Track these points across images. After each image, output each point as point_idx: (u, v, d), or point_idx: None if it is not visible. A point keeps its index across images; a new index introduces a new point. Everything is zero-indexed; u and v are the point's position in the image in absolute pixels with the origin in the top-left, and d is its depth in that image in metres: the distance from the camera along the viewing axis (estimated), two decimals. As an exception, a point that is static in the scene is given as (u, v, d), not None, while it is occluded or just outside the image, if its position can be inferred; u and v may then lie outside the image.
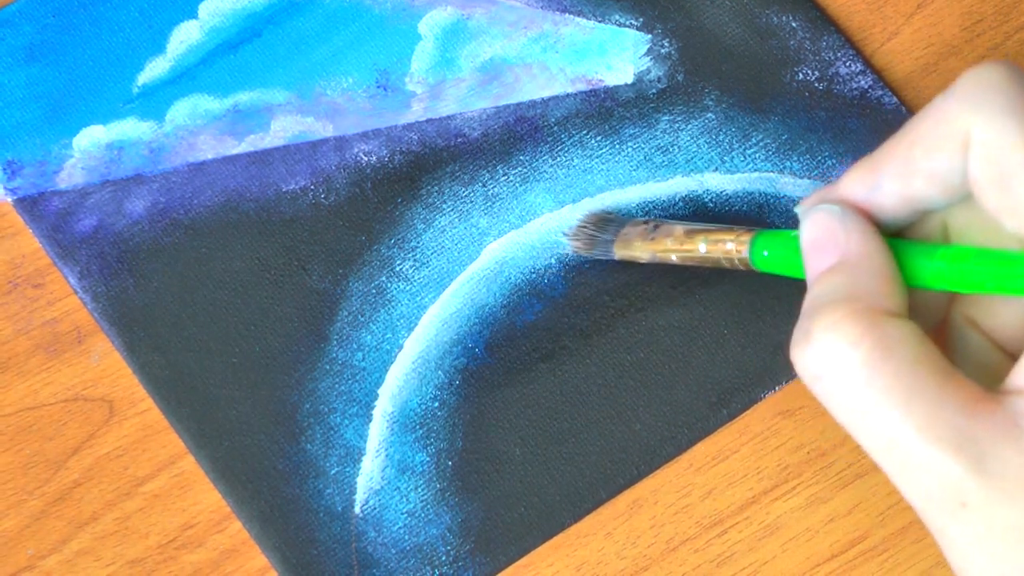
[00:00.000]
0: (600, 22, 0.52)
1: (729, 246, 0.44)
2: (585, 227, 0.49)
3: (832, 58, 0.51)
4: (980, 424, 0.33)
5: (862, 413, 0.34)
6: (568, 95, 0.51)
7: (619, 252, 0.48)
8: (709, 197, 0.50)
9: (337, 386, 0.48)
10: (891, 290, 0.36)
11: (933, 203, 0.37)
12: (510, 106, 0.51)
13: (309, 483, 0.47)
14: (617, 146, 0.51)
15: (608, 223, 0.49)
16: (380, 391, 0.48)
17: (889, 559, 0.46)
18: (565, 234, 0.49)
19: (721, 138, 0.51)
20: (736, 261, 0.43)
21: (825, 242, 0.37)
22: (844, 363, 0.34)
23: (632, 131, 0.51)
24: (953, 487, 0.33)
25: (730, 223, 0.50)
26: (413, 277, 0.49)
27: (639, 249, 0.47)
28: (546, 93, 0.51)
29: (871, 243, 0.36)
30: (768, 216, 0.49)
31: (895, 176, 0.37)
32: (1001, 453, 0.33)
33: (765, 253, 0.42)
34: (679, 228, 0.46)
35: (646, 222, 0.48)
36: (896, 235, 0.38)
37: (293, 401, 0.48)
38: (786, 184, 0.50)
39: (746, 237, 0.43)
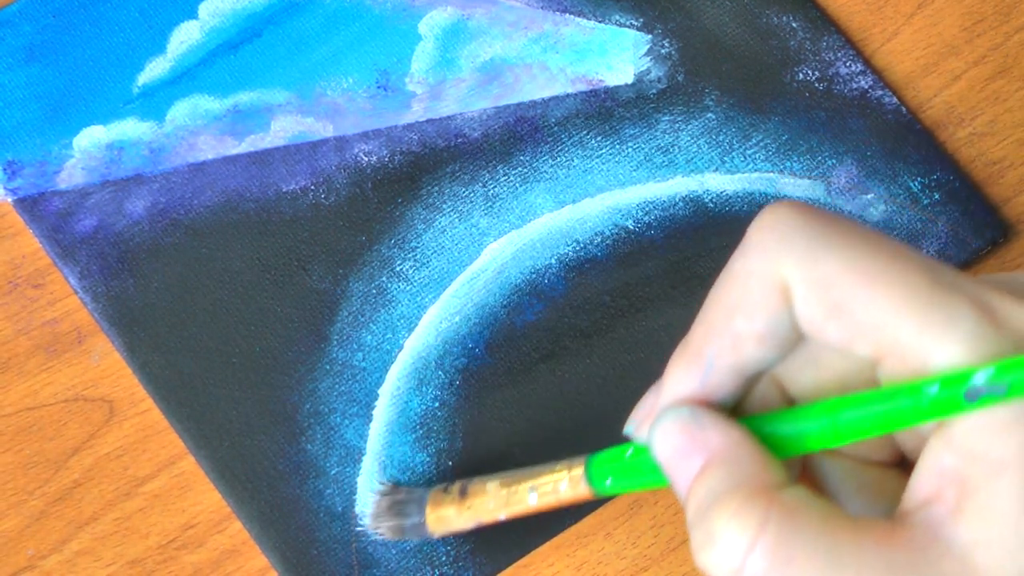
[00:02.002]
0: (600, 22, 0.52)
1: (564, 488, 0.41)
2: (382, 517, 0.45)
3: (832, 58, 0.51)
4: (906, 554, 0.33)
5: None
6: (568, 95, 0.51)
7: (438, 531, 0.44)
8: (709, 197, 0.50)
9: (337, 386, 0.48)
10: (770, 466, 0.34)
11: (766, 364, 0.36)
12: (510, 106, 0.51)
13: (309, 483, 0.47)
14: (617, 146, 0.51)
15: (406, 503, 0.45)
16: (380, 391, 0.48)
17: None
18: (369, 528, 0.46)
19: (721, 138, 0.51)
20: (574, 497, 0.40)
21: (687, 448, 0.35)
22: (759, 548, 0.33)
23: (632, 131, 0.51)
24: None
25: (729, 224, 0.50)
26: (413, 277, 0.49)
27: (458, 522, 0.43)
28: (546, 93, 0.51)
29: (733, 431, 0.35)
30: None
31: (724, 352, 0.35)
32: (938, 571, 0.32)
33: (608, 482, 0.39)
34: (492, 483, 0.43)
35: (445, 488, 0.44)
36: (732, 413, 0.36)
37: (293, 401, 0.48)
38: (786, 184, 0.50)
39: (578, 472, 0.40)
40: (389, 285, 0.49)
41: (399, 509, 0.45)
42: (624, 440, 0.39)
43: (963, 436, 0.33)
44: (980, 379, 0.32)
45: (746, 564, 0.33)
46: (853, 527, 0.33)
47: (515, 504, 0.42)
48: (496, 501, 0.42)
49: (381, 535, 0.45)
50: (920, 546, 0.33)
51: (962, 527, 0.32)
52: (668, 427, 0.36)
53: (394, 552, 0.46)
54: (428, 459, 0.47)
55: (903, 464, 0.37)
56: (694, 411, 0.35)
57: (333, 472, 0.47)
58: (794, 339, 0.35)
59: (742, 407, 0.37)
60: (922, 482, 0.34)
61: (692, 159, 0.50)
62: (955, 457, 0.33)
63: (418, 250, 0.49)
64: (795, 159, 0.50)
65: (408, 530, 0.44)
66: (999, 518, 0.32)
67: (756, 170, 0.50)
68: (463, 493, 0.43)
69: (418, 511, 0.44)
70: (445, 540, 0.46)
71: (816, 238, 0.34)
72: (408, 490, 0.45)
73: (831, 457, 0.37)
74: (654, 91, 0.51)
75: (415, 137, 0.51)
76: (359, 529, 0.46)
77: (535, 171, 0.50)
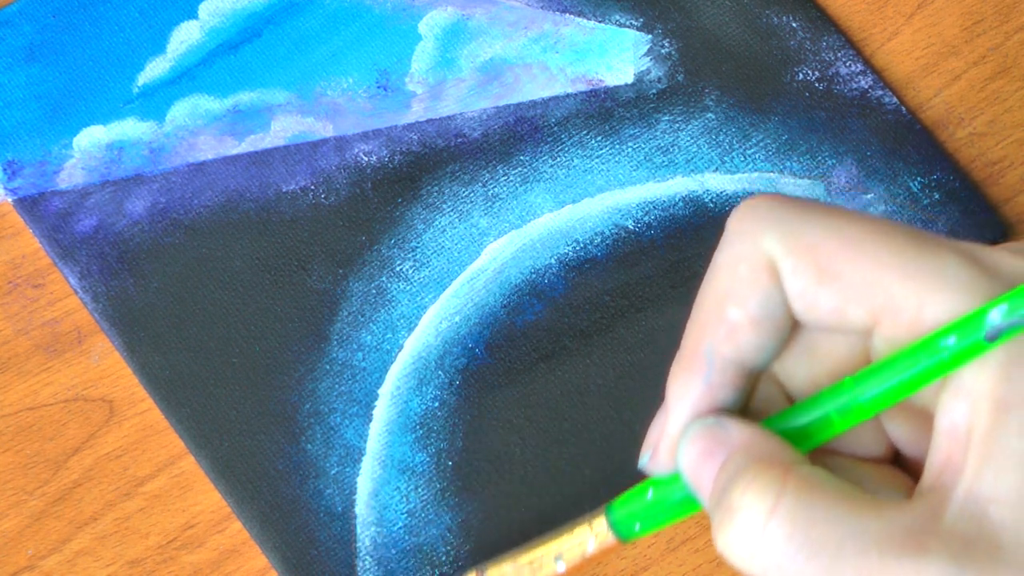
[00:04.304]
0: (600, 22, 0.52)
1: (591, 546, 0.40)
2: None
3: (832, 58, 0.51)
4: (923, 520, 0.32)
5: (815, 559, 0.32)
6: (568, 95, 0.51)
7: None
8: (709, 197, 0.50)
9: (337, 386, 0.48)
10: (787, 447, 0.34)
11: (764, 355, 0.35)
12: (510, 106, 0.51)
13: (309, 483, 0.47)
14: (617, 146, 0.51)
15: None
16: (380, 391, 0.48)
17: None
18: None
19: (721, 138, 0.51)
20: (602, 551, 0.40)
21: (710, 449, 0.35)
22: (779, 514, 0.32)
23: (632, 131, 0.51)
24: None
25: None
26: (413, 277, 0.49)
27: None
28: (546, 93, 0.51)
29: (754, 427, 0.35)
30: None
31: (722, 345, 0.35)
32: (959, 532, 0.31)
33: (637, 527, 0.38)
34: (509, 563, 0.42)
35: None
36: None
37: (293, 401, 0.48)
38: (786, 184, 0.50)
39: (600, 524, 0.39)
40: (389, 285, 0.49)
41: None
42: (636, 475, 0.39)
43: (971, 381, 0.32)
44: (996, 316, 0.31)
45: (767, 531, 0.32)
46: (870, 498, 0.33)
47: (543, 573, 0.41)
48: None
49: None
50: (936, 510, 0.32)
51: (973, 482, 0.32)
52: (695, 434, 0.35)
53: (394, 552, 0.46)
54: (428, 459, 0.47)
55: (897, 461, 0.37)
56: (718, 418, 0.35)
57: (333, 472, 0.47)
58: (788, 323, 0.35)
59: (749, 414, 0.36)
60: (936, 449, 0.33)
61: (692, 159, 0.50)
62: (964, 404, 0.32)
63: (418, 250, 0.50)
64: (795, 159, 0.50)
65: None
66: (1010, 465, 0.31)
67: (756, 170, 0.50)
68: None
69: None
70: (444, 540, 0.46)
71: (796, 215, 0.34)
72: None
73: (827, 458, 0.37)
74: (654, 91, 0.51)
75: (415, 137, 0.51)
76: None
77: (535, 171, 0.50)
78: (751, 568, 0.33)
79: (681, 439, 0.36)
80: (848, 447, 0.37)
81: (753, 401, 0.37)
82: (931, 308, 0.32)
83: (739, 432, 0.35)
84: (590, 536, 0.40)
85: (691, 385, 0.36)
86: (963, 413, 0.32)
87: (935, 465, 0.33)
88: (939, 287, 0.32)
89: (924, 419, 0.35)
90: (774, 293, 0.34)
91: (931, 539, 0.32)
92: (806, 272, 0.34)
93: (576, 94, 0.51)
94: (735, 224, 0.35)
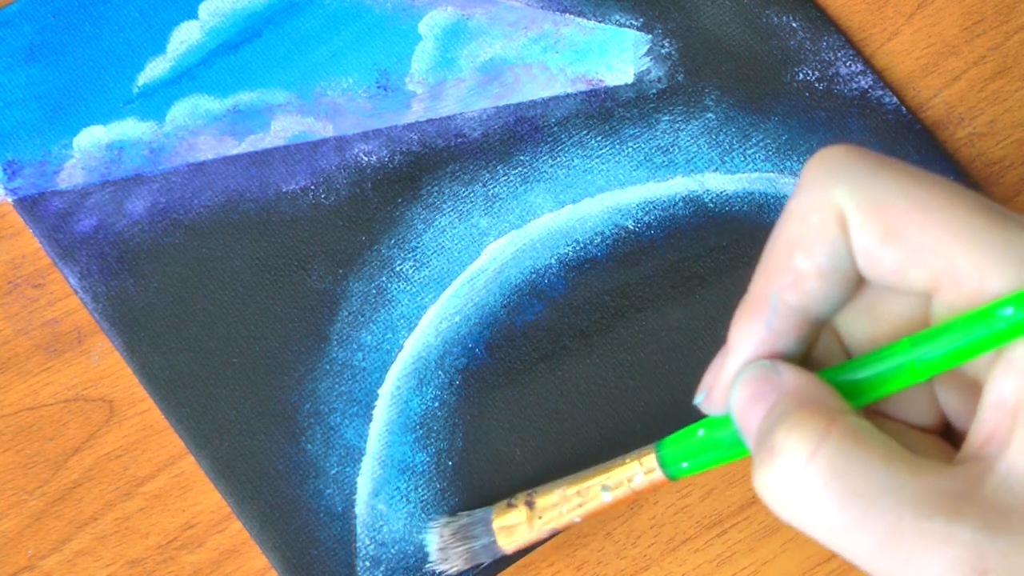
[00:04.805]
0: (600, 22, 0.52)
1: (638, 480, 0.41)
2: (448, 548, 0.44)
3: (832, 58, 0.51)
4: (963, 485, 0.32)
5: (849, 508, 0.32)
6: (568, 95, 0.51)
7: (508, 547, 0.44)
8: (709, 197, 0.50)
9: (337, 386, 0.48)
10: (837, 396, 0.34)
11: (828, 305, 0.35)
12: (510, 106, 0.51)
13: (309, 483, 0.47)
14: (617, 146, 0.51)
15: (471, 526, 0.44)
16: (380, 391, 0.48)
17: (889, 559, 0.46)
18: (438, 562, 0.45)
19: (721, 138, 0.51)
20: (649, 486, 0.41)
21: (761, 391, 0.35)
22: (819, 459, 0.32)
23: (632, 131, 0.51)
24: (968, 555, 0.31)
25: (729, 224, 0.50)
26: (413, 277, 0.49)
27: (529, 533, 0.43)
28: (546, 93, 0.51)
29: (807, 374, 0.35)
30: (768, 216, 0.49)
31: (787, 291, 0.35)
32: (998, 503, 0.32)
33: (685, 464, 0.39)
34: (559, 489, 0.43)
35: (510, 504, 0.44)
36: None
37: (293, 401, 0.48)
38: (786, 184, 0.50)
39: (650, 460, 0.40)
40: (389, 285, 0.49)
41: (465, 533, 0.44)
42: (692, 414, 0.39)
43: (1023, 357, 0.32)
44: None
45: (804, 475, 0.32)
46: (912, 457, 0.33)
47: (588, 504, 0.42)
48: (568, 505, 0.42)
49: (451, 568, 0.44)
50: (977, 478, 0.32)
51: (1018, 456, 0.32)
52: (748, 376, 0.36)
53: (394, 552, 0.46)
54: (428, 459, 0.47)
55: (948, 433, 0.37)
56: (774, 362, 0.36)
57: (333, 472, 0.47)
58: (854, 276, 0.35)
59: (807, 365, 0.36)
60: (982, 421, 0.33)
61: (692, 159, 0.50)
62: (1016, 380, 0.32)
63: (418, 250, 0.50)
64: (795, 159, 0.50)
65: (478, 552, 0.44)
66: None
67: (756, 170, 0.50)
68: (531, 504, 0.43)
69: (485, 531, 0.44)
70: (445, 540, 0.46)
71: (869, 168, 0.34)
72: (469, 513, 0.45)
73: (878, 421, 0.37)
74: (654, 91, 0.51)
75: (415, 137, 0.51)
76: (426, 569, 0.46)
77: (535, 171, 0.50)
78: (785, 512, 0.33)
79: (734, 380, 0.36)
80: (900, 413, 0.37)
81: (813, 352, 0.37)
82: (992, 279, 0.33)
83: (792, 377, 0.35)
84: (639, 470, 0.41)
85: (753, 329, 0.36)
86: (1013, 388, 0.32)
87: (980, 435, 0.33)
88: (1003, 259, 0.32)
89: (977, 391, 0.35)
90: (842, 245, 0.35)
91: (967, 505, 0.32)
92: (872, 229, 0.34)
93: (576, 94, 0.51)
94: (809, 172, 0.35)
